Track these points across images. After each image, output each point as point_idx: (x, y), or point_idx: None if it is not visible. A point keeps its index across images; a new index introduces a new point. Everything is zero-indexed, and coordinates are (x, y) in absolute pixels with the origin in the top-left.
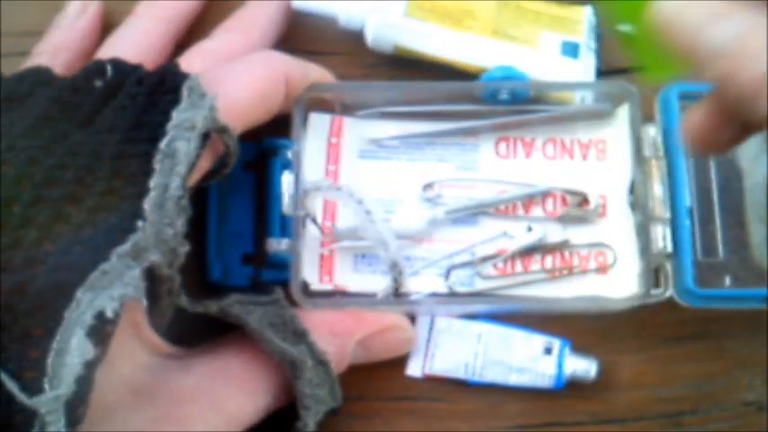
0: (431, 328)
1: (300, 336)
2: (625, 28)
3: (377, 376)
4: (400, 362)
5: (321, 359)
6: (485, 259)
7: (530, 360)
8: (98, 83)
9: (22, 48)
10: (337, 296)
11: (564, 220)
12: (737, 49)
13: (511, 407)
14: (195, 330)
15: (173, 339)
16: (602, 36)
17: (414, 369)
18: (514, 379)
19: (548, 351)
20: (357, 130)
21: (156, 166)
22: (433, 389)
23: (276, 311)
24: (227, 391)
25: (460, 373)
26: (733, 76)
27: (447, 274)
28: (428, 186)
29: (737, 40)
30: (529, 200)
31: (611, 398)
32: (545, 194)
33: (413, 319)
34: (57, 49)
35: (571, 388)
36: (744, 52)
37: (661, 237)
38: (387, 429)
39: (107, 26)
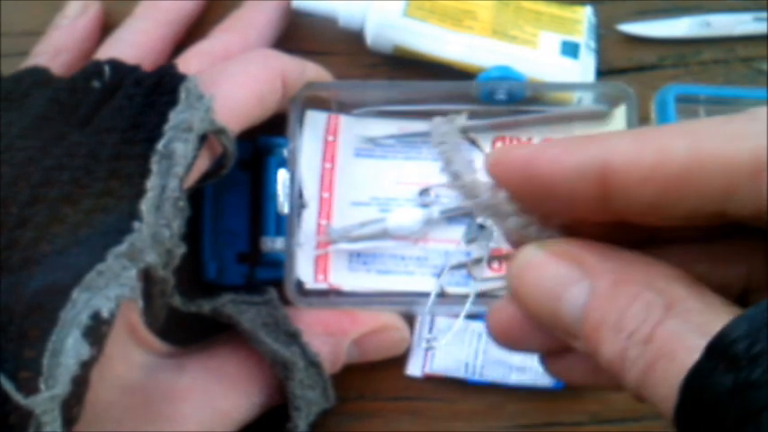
0: (431, 328)
1: (293, 336)
2: None
3: (377, 376)
4: (400, 361)
5: (313, 360)
6: (479, 260)
7: (530, 358)
8: (96, 83)
9: (22, 48)
10: (332, 295)
11: None
12: (592, 323)
13: (511, 407)
14: (190, 328)
15: (168, 337)
16: (601, 36)
17: (414, 369)
18: (515, 378)
19: None
20: (353, 129)
21: (154, 167)
22: (432, 388)
23: (269, 311)
24: (222, 389)
25: (461, 373)
26: (594, 351)
27: (440, 274)
28: (424, 191)
29: (589, 309)
30: None
31: (611, 398)
32: None
33: (410, 318)
34: (56, 50)
35: (571, 388)
36: (598, 326)
37: None
38: (386, 429)
39: (107, 27)
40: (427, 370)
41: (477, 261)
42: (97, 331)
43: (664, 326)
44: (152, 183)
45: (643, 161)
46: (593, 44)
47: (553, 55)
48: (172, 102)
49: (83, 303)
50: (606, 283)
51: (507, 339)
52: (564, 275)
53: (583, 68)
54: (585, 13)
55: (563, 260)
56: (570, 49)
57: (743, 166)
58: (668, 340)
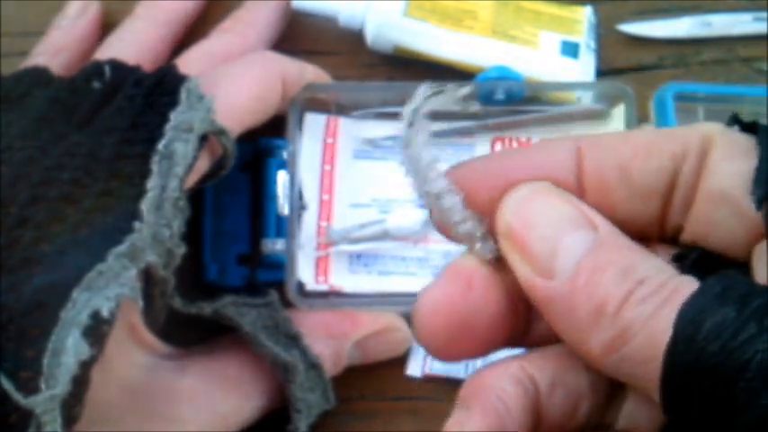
0: None
1: (293, 339)
2: None
3: (377, 376)
4: (400, 362)
5: (313, 363)
6: None
7: None
8: (96, 84)
9: (22, 48)
10: (332, 297)
11: None
12: (594, 264)
13: None
14: (192, 330)
15: (169, 339)
16: (601, 36)
17: (414, 369)
18: None
19: None
20: (352, 131)
21: (154, 167)
22: (433, 389)
23: (270, 314)
24: (223, 392)
25: (461, 373)
26: (578, 290)
27: None
28: None
29: (595, 252)
30: None
31: None
32: None
33: (411, 319)
34: (56, 50)
35: None
36: (602, 268)
37: None
38: (387, 429)
39: (107, 27)
40: (427, 370)
41: None
42: (97, 331)
43: (679, 277)
44: (152, 183)
45: (616, 135)
46: (593, 44)
47: (553, 55)
48: (172, 102)
49: (83, 303)
50: (613, 241)
51: (445, 335)
52: (573, 217)
53: (583, 68)
54: (585, 13)
55: (572, 205)
56: (570, 49)
57: (695, 136)
58: (686, 285)
